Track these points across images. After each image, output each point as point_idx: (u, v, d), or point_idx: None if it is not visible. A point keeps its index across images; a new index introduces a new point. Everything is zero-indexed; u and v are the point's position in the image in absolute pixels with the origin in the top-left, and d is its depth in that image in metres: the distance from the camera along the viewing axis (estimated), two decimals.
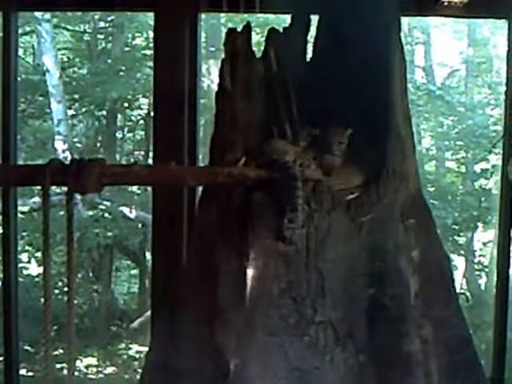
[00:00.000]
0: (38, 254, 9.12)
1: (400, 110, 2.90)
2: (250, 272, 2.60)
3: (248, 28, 2.90)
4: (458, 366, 2.81)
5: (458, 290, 7.99)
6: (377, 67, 2.87)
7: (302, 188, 2.61)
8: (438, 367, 2.74)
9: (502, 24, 4.28)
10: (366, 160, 2.84)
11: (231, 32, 2.89)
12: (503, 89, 4.12)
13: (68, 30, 10.55)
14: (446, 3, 3.77)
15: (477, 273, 10.17)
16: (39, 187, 2.52)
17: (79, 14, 9.33)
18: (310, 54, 3.09)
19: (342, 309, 2.67)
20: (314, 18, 3.10)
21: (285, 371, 2.60)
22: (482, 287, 9.95)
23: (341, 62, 2.93)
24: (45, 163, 2.50)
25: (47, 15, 9.17)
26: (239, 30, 2.92)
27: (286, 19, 3.16)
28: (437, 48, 12.51)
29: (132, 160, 9.83)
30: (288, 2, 3.17)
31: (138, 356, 8.36)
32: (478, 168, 10.54)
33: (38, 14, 8.85)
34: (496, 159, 9.40)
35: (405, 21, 10.02)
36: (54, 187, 2.59)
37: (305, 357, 2.62)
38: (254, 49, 2.91)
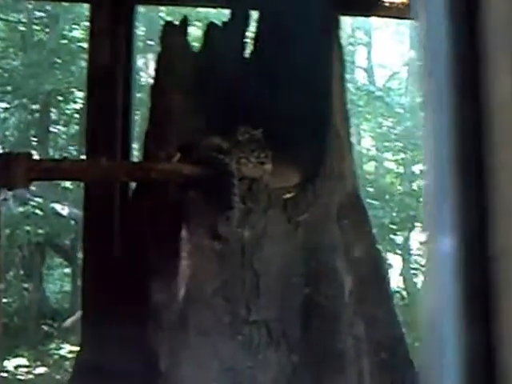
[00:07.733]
0: None
1: (338, 109, 2.89)
2: (183, 271, 2.55)
3: (185, 22, 2.85)
4: (391, 363, 2.81)
5: (394, 289, 8.08)
6: (314, 66, 2.85)
7: (238, 186, 2.57)
8: (370, 365, 2.74)
9: None
10: (303, 159, 2.82)
11: (167, 25, 2.83)
12: None
13: (1, 19, 10.25)
14: (387, 4, 3.77)
15: (413, 271, 10.30)
16: None
17: (11, 2, 9.06)
18: (248, 50, 3.05)
19: (276, 308, 2.64)
20: (254, 14, 3.06)
21: (218, 371, 2.56)
22: (418, 286, 10.09)
23: (279, 59, 2.90)
24: None
25: None
26: (176, 23, 2.87)
27: (226, 14, 3.12)
28: (378, 49, 12.66)
29: (65, 155, 9.63)
30: None
31: (69, 356, 8.17)
32: (416, 169, 10.67)
33: None
34: None
35: (347, 21, 10.08)
36: None
37: (238, 356, 2.58)
38: (194, 43, 2.85)
